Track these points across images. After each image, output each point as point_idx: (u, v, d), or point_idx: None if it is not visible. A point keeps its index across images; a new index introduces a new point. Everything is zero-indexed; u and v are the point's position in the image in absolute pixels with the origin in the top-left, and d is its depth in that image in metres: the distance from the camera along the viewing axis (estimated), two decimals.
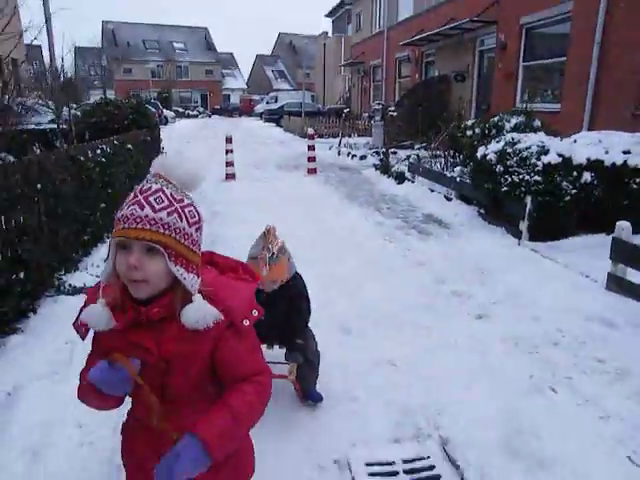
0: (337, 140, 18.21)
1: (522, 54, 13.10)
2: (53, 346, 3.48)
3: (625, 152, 6.07)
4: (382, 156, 12.29)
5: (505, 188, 6.17)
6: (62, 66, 11.86)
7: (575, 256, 5.38)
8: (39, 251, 4.01)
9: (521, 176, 6.01)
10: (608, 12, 9.32)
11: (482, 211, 7.11)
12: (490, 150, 6.60)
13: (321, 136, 22.60)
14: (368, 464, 2.52)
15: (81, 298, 1.44)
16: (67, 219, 4.72)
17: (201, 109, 56.29)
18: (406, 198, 8.72)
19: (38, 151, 7.32)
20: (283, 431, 2.69)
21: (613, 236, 4.54)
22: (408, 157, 11.25)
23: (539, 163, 5.97)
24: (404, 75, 22.39)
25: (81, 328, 1.38)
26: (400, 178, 9.94)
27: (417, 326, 3.90)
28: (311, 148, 11.77)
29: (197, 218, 1.36)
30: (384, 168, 10.96)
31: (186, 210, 1.32)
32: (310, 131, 12.18)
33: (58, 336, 3.53)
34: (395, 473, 2.47)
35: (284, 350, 2.92)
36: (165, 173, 1.34)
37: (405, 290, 4.62)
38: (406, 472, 2.48)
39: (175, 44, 61.78)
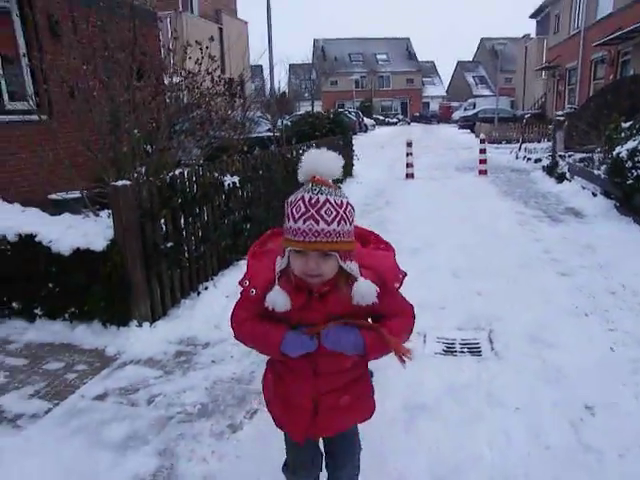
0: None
1: None
2: None
3: None
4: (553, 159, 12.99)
5: (631, 181, 7.03)
6: (278, 82, 14.71)
7: None
8: (259, 212, 6.25)
9: None
10: None
11: (617, 204, 7.90)
12: (624, 148, 7.45)
13: (509, 142, 23.22)
14: (438, 337, 4.12)
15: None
16: (277, 194, 6.93)
17: (400, 117, 58.73)
18: (557, 195, 9.69)
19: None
20: None
21: None
22: (582, 160, 11.86)
23: None
24: (599, 77, 21.98)
25: (247, 288, 1.62)
26: (560, 178, 10.79)
27: (508, 276, 5.29)
28: (482, 151, 13.01)
29: (353, 214, 1.55)
30: (550, 169, 11.80)
31: (347, 212, 1.51)
32: (482, 136, 13.40)
33: None
34: (453, 343, 4.03)
35: None
36: (313, 168, 1.54)
37: (512, 254, 5.98)
38: (460, 344, 4.01)
39: (378, 55, 65.25)
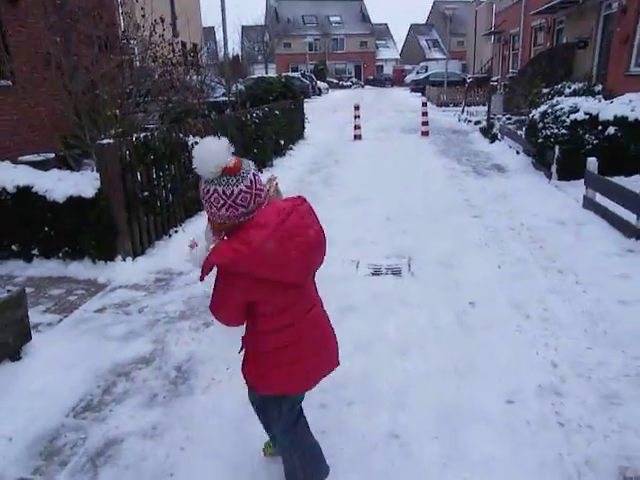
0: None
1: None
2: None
3: None
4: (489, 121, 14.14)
5: (540, 140, 8.16)
6: (232, 48, 15.27)
7: (582, 189, 7.31)
8: None
9: (553, 130, 7.97)
10: None
11: (533, 161, 9.06)
12: (537, 111, 8.56)
13: (456, 105, 24.35)
14: (369, 264, 5.13)
15: None
16: (235, 152, 7.76)
17: (354, 80, 59.18)
18: (487, 153, 10.83)
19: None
20: None
21: (586, 169, 6.52)
22: (516, 122, 13.02)
23: (567, 120, 7.87)
24: (539, 43, 23.17)
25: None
26: (492, 138, 11.95)
27: (431, 218, 6.35)
28: (425, 114, 14.02)
29: (223, 200, 1.77)
30: (485, 131, 12.93)
31: (211, 197, 1.78)
32: (424, 100, 14.39)
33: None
34: (380, 267, 5.05)
35: None
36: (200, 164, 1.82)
37: (437, 202, 7.05)
38: (385, 268, 5.04)
39: (331, 18, 65.03)
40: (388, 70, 64.93)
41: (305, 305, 2.02)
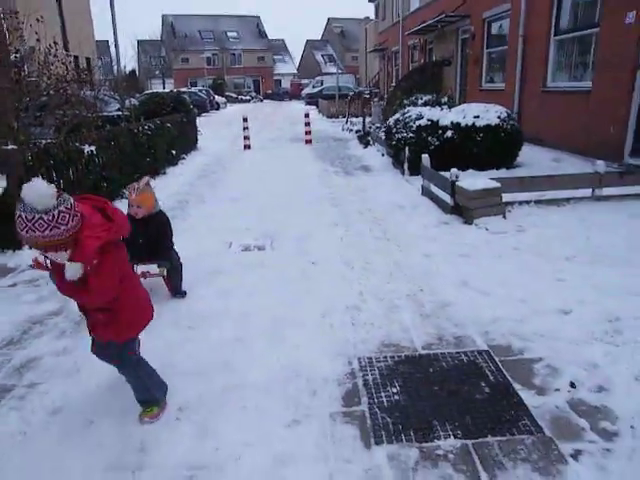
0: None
1: (485, 42, 16.19)
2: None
3: (475, 116, 9.46)
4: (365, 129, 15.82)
5: (394, 142, 9.74)
6: (124, 61, 15.99)
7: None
8: (113, 174, 8.03)
9: (403, 134, 9.56)
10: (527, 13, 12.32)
11: (393, 161, 10.65)
12: (392, 118, 10.16)
13: (344, 116, 26.18)
14: (240, 244, 6.29)
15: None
16: (127, 161, 8.68)
17: (253, 94, 60.43)
18: (359, 157, 12.40)
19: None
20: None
21: (422, 164, 8.08)
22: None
23: (414, 125, 9.49)
24: (415, 60, 25.58)
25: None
26: (366, 144, 13.56)
27: (297, 209, 7.63)
28: (307, 124, 15.48)
29: (45, 225, 2.21)
30: (360, 138, 14.56)
31: (36, 224, 2.20)
32: (305, 112, 15.86)
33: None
34: (249, 246, 6.21)
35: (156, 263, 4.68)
36: (30, 200, 2.20)
37: (305, 197, 8.37)
38: (253, 246, 6.21)
39: (229, 33, 66.14)
40: (286, 84, 66.76)
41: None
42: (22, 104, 7.69)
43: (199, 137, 15.36)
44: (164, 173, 10.81)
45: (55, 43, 7.95)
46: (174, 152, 11.93)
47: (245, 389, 3.14)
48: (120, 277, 2.58)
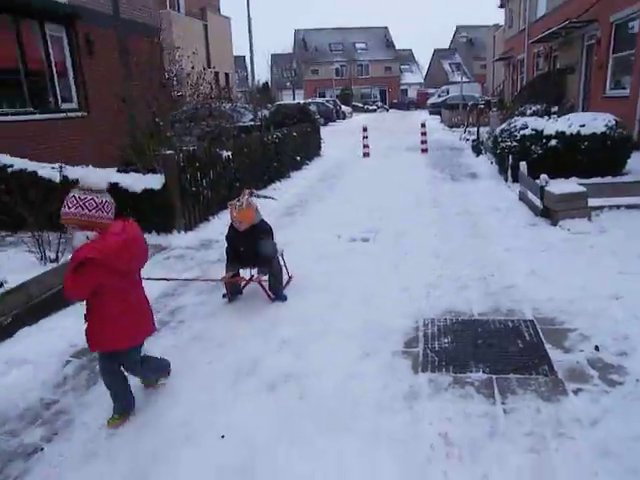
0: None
1: (612, 47, 15.88)
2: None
3: (581, 125, 9.79)
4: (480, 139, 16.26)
5: (499, 151, 10.30)
6: (258, 76, 17.82)
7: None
8: (244, 175, 9.45)
9: (507, 143, 10.10)
10: None
11: (499, 169, 11.17)
12: (499, 128, 10.72)
13: (466, 127, 26.45)
14: (349, 236, 7.32)
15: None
16: (256, 165, 10.10)
17: (379, 104, 61.67)
18: (468, 164, 12.99)
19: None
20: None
21: (520, 171, 8.64)
22: None
23: (518, 135, 10.00)
24: (540, 68, 25.24)
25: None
26: (478, 153, 14.08)
27: (401, 210, 8.53)
28: (423, 134, 16.27)
29: (95, 205, 2.72)
30: (474, 147, 15.08)
31: (86, 203, 2.69)
32: (422, 121, 16.64)
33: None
34: (355, 238, 7.23)
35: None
36: (82, 183, 2.76)
37: (411, 199, 9.24)
38: (359, 238, 7.22)
39: (357, 44, 68.10)
40: (412, 94, 67.25)
41: (134, 287, 3.10)
42: (176, 117, 9.38)
43: (322, 145, 16.71)
44: (289, 176, 12.18)
45: (204, 68, 9.57)
46: (298, 158, 13.32)
47: (332, 333, 4.18)
48: (100, 292, 2.89)
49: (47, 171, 7.38)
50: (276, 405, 3.26)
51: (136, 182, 7.20)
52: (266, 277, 5.00)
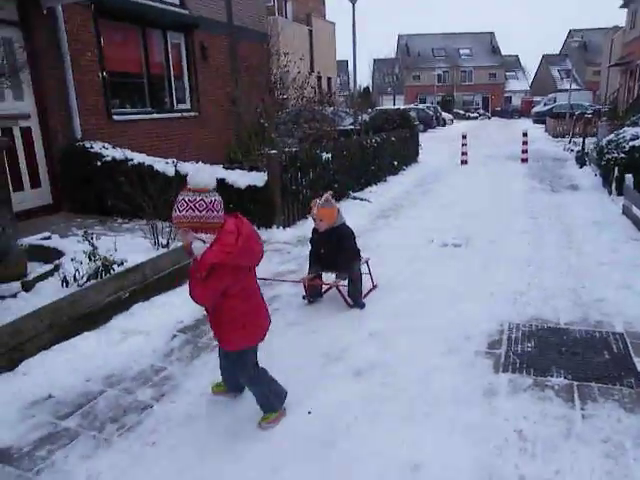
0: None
1: None
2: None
3: None
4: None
5: (604, 162, 9.95)
6: (360, 81, 18.14)
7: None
8: (342, 178, 9.79)
9: (614, 154, 9.75)
10: None
11: (603, 181, 10.76)
12: (605, 138, 10.35)
13: (572, 137, 25.38)
14: (441, 241, 7.45)
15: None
16: (355, 168, 10.42)
17: (481, 111, 60.25)
18: (570, 176, 12.60)
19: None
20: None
21: (625, 183, 8.34)
22: None
23: (627, 146, 9.61)
24: None
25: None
26: (582, 164, 13.59)
27: (494, 217, 8.50)
28: (524, 143, 15.90)
29: (204, 206, 2.66)
30: (578, 158, 14.55)
31: (196, 204, 2.64)
32: (524, 130, 16.24)
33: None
34: (447, 243, 7.35)
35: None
36: (191, 183, 2.70)
37: (507, 208, 9.16)
38: (451, 244, 7.33)
39: (461, 50, 66.91)
40: (517, 101, 65.13)
41: (253, 282, 3.05)
42: (280, 119, 9.91)
43: (420, 151, 16.77)
44: (385, 180, 12.40)
45: (309, 73, 10.03)
46: (396, 163, 13.51)
47: (418, 329, 4.38)
48: (227, 294, 2.85)
49: (162, 165, 8.09)
50: (360, 389, 3.52)
51: (241, 178, 7.73)
52: (345, 282, 4.99)
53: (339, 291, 5.00)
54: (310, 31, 28.57)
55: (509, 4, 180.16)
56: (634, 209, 7.82)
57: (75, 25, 9.09)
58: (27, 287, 4.85)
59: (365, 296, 5.11)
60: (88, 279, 4.79)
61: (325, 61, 29.38)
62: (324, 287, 5.24)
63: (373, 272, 5.46)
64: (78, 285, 4.77)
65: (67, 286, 4.74)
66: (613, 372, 3.59)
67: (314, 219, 4.81)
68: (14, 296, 4.65)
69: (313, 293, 5.16)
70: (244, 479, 2.77)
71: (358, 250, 5.08)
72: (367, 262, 5.36)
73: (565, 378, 3.53)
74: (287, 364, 3.78)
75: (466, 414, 3.18)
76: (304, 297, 5.16)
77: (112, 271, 4.92)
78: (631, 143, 9.63)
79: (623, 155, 9.61)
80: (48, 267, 5.23)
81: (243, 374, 3.18)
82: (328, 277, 5.28)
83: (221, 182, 7.74)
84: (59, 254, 5.63)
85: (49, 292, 4.74)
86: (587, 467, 2.70)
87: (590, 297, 4.98)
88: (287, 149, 8.92)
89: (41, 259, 5.43)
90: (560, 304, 4.84)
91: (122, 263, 5.10)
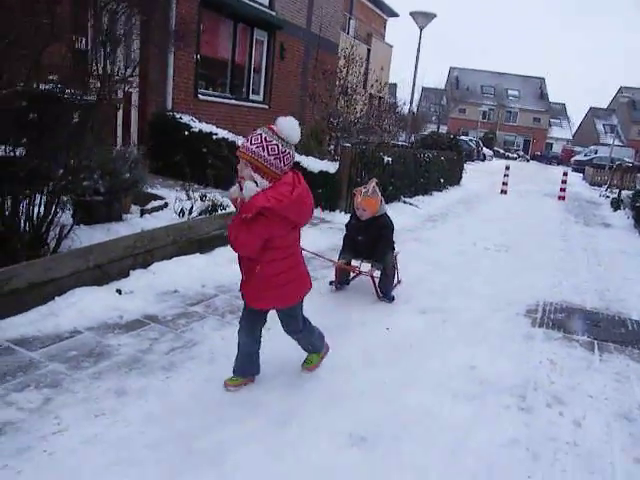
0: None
1: None
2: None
3: None
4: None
5: (638, 204, 10.79)
6: (412, 104, 19.18)
7: None
8: (397, 182, 10.77)
9: None
10: None
11: (635, 223, 11.57)
12: None
13: (609, 186, 26.08)
14: (483, 245, 8.34)
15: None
16: (408, 175, 11.39)
17: (521, 153, 60.80)
18: (604, 216, 13.46)
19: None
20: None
21: None
22: None
23: None
24: None
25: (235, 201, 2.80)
26: (616, 207, 14.42)
27: (530, 235, 9.37)
28: (563, 182, 16.74)
29: (276, 152, 2.57)
30: (613, 202, 15.35)
31: (269, 146, 2.56)
32: (564, 171, 17.10)
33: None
34: (489, 248, 8.22)
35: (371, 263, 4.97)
36: (277, 127, 2.63)
37: (542, 231, 10.03)
38: (492, 250, 8.20)
39: (510, 91, 67.75)
40: (557, 148, 65.58)
41: (298, 242, 2.96)
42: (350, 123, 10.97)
43: (463, 176, 17.70)
44: (431, 194, 13.32)
45: (382, 87, 11.06)
46: (442, 180, 14.44)
47: (466, 294, 5.32)
48: (270, 246, 2.75)
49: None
50: (425, 321, 4.47)
51: (314, 164, 8.76)
52: (378, 273, 4.89)
53: (373, 281, 4.94)
54: (369, 50, 29.75)
55: (563, 52, 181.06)
56: None
57: (184, 9, 10.25)
58: (144, 214, 5.93)
59: (393, 288, 5.11)
60: (200, 214, 5.81)
61: (378, 78, 30.47)
62: (351, 275, 5.17)
63: (425, 256, 6.38)
64: (190, 218, 5.81)
65: (183, 216, 5.77)
66: (627, 339, 4.49)
67: (357, 208, 4.71)
68: (141, 216, 5.71)
69: (342, 280, 5.12)
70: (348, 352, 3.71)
71: (394, 243, 5.04)
72: (396, 256, 5.20)
73: (588, 337, 4.45)
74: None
75: (510, 345, 4.12)
76: (331, 282, 5.12)
77: (218, 211, 5.94)
78: None
79: None
80: (159, 203, 6.29)
81: (294, 327, 3.16)
82: (358, 265, 5.15)
83: (296, 164, 8.76)
84: (161, 198, 6.69)
85: (167, 219, 5.79)
86: (601, 384, 3.62)
87: (614, 297, 5.87)
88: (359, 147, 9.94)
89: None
90: (587, 297, 5.74)
91: (225, 208, 6.12)
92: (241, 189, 2.72)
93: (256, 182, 2.62)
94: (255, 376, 3.24)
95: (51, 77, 4.41)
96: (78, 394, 2.90)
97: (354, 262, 5.06)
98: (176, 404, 2.91)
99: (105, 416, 2.73)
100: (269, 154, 2.57)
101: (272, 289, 2.87)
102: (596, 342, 4.37)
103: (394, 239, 5.05)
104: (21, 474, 2.27)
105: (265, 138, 2.59)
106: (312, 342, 3.32)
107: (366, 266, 4.97)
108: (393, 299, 4.87)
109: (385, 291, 4.87)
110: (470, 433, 2.86)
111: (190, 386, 3.12)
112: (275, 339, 3.39)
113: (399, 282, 5.33)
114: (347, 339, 3.95)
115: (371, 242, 4.74)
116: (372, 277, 4.90)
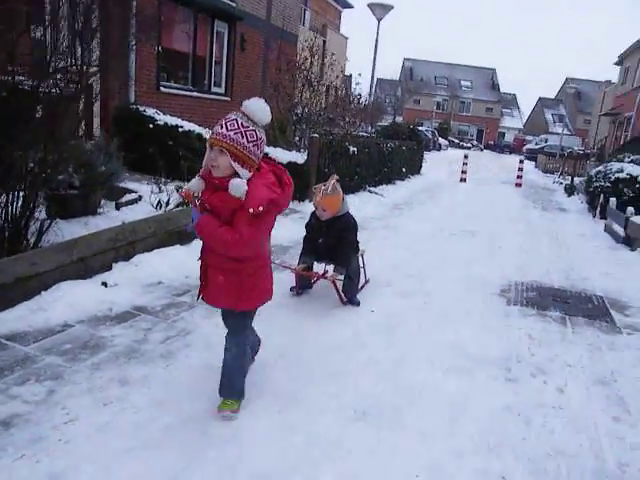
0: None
1: None
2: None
3: None
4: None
5: (591, 189, 11.27)
6: (366, 95, 19.38)
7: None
8: (362, 170, 10.93)
9: (600, 183, 11.07)
10: None
11: (588, 206, 12.09)
12: (594, 170, 11.69)
13: (561, 173, 27.02)
14: (449, 231, 8.60)
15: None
16: (372, 164, 11.57)
17: (475, 142, 62.13)
18: (559, 201, 14.00)
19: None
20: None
21: (608, 205, 9.62)
22: None
23: (612, 177, 10.94)
24: None
25: (188, 195, 2.53)
26: (570, 193, 14.99)
27: (494, 220, 9.70)
28: (520, 169, 17.29)
29: (255, 138, 2.37)
30: (567, 188, 15.96)
31: (247, 132, 2.35)
32: (521, 158, 17.71)
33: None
34: (456, 233, 8.49)
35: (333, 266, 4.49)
36: (247, 111, 2.39)
37: (503, 217, 10.39)
38: (458, 234, 8.48)
39: (462, 82, 69.03)
40: (509, 138, 67.19)
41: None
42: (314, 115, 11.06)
43: (423, 165, 18.05)
44: (394, 183, 13.57)
45: (344, 80, 11.17)
46: (404, 170, 14.71)
47: (441, 276, 5.52)
48: (264, 242, 2.61)
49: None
50: (407, 304, 4.63)
51: (282, 154, 8.81)
52: (341, 277, 4.41)
53: (335, 286, 4.47)
54: (324, 42, 29.79)
55: (512, 45, 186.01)
56: (614, 225, 9.09)
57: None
58: (119, 207, 5.90)
59: (359, 290, 4.73)
60: (177, 206, 5.82)
61: (334, 73, 30.59)
62: (314, 278, 4.73)
63: (397, 243, 6.56)
64: (166, 210, 5.81)
65: (160, 208, 5.77)
66: (594, 313, 4.78)
67: (316, 207, 4.31)
68: (117, 209, 5.68)
69: (303, 285, 4.70)
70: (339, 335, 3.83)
71: (358, 243, 4.63)
72: (362, 255, 4.83)
73: (559, 312, 4.72)
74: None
75: (490, 323, 4.35)
76: (292, 288, 4.67)
77: None
78: (616, 175, 10.96)
79: (609, 184, 10.93)
80: (133, 196, 6.27)
81: (237, 337, 2.79)
82: (320, 268, 4.84)
83: (265, 155, 8.81)
84: (134, 192, 6.65)
85: (143, 211, 5.78)
86: (577, 354, 3.87)
87: (577, 276, 6.18)
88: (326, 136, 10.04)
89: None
90: (554, 277, 6.03)
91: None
92: (206, 181, 2.49)
93: (238, 174, 2.38)
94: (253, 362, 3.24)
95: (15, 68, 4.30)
96: (81, 385, 2.93)
97: (316, 265, 4.70)
98: (180, 390, 2.97)
99: (113, 404, 2.77)
100: (248, 141, 2.36)
101: (254, 287, 2.64)
102: (567, 317, 4.63)
103: (358, 238, 4.62)
104: (40, 462, 2.30)
105: (242, 124, 2.37)
106: (235, 370, 2.80)
107: (330, 268, 4.56)
108: (359, 304, 4.47)
109: (350, 296, 4.48)
110: (466, 403, 3.03)
111: (192, 372, 3.18)
112: (262, 326, 3.46)
113: (367, 282, 5.03)
114: (336, 322, 4.09)
115: (333, 244, 4.28)
116: (334, 282, 4.43)
